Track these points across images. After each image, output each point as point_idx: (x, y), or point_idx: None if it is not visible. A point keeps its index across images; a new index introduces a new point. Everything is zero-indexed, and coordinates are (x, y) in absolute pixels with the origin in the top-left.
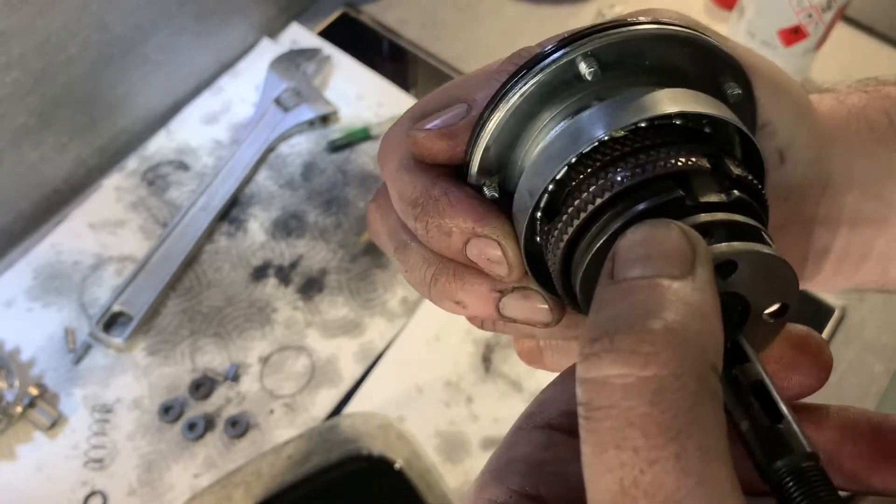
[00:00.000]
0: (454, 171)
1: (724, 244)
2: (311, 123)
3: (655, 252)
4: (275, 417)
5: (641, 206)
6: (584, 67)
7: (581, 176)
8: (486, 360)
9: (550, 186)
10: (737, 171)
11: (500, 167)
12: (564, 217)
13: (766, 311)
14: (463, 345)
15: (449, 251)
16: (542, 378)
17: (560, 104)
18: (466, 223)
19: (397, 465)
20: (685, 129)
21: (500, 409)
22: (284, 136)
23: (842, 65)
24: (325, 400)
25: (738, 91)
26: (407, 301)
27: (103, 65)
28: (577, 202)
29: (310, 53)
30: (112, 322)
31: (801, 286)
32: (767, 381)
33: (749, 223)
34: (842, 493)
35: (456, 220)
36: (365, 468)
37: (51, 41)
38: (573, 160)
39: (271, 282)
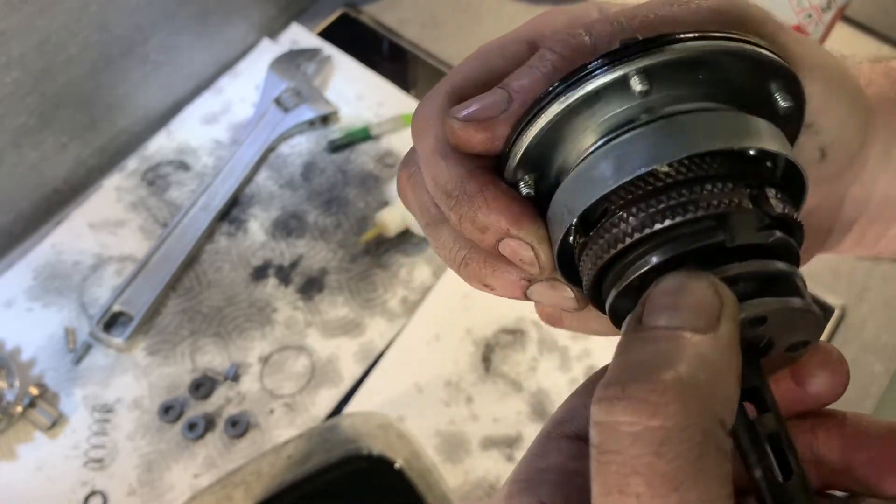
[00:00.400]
0: (490, 163)
1: (756, 301)
2: (311, 123)
3: (684, 303)
4: (275, 417)
5: (680, 250)
6: (636, 83)
7: (622, 201)
8: (486, 360)
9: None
10: (779, 207)
11: (538, 165)
12: (601, 241)
13: (787, 346)
14: (463, 345)
15: (481, 244)
16: (542, 378)
17: (607, 112)
18: (501, 223)
19: (397, 465)
20: (730, 157)
21: (500, 409)
22: (284, 137)
23: None
24: (325, 400)
25: (789, 104)
26: (407, 301)
27: (103, 65)
28: (615, 230)
29: (310, 53)
30: (112, 322)
31: (819, 253)
32: (783, 434)
33: (783, 272)
34: (840, 494)
35: (490, 218)
36: (365, 468)
37: (51, 41)
38: (615, 187)
39: (271, 282)
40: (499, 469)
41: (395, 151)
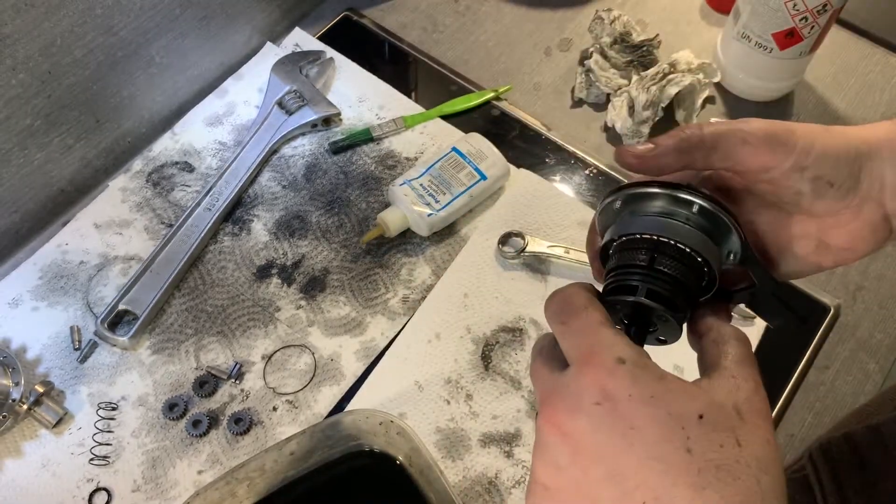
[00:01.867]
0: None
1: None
2: (313, 125)
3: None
4: (278, 414)
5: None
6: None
7: (615, 245)
8: (486, 358)
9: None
10: (667, 268)
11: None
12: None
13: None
14: (463, 343)
15: None
16: None
17: (649, 207)
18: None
19: (398, 461)
20: (658, 244)
21: (499, 407)
22: (287, 138)
23: (837, 68)
24: (326, 397)
25: (734, 253)
26: (408, 300)
27: (108, 67)
28: (608, 262)
29: (312, 56)
30: (117, 321)
31: (869, 251)
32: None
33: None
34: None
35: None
36: (366, 464)
37: (56, 44)
38: (615, 238)
39: (274, 281)
40: (498, 465)
41: (396, 153)
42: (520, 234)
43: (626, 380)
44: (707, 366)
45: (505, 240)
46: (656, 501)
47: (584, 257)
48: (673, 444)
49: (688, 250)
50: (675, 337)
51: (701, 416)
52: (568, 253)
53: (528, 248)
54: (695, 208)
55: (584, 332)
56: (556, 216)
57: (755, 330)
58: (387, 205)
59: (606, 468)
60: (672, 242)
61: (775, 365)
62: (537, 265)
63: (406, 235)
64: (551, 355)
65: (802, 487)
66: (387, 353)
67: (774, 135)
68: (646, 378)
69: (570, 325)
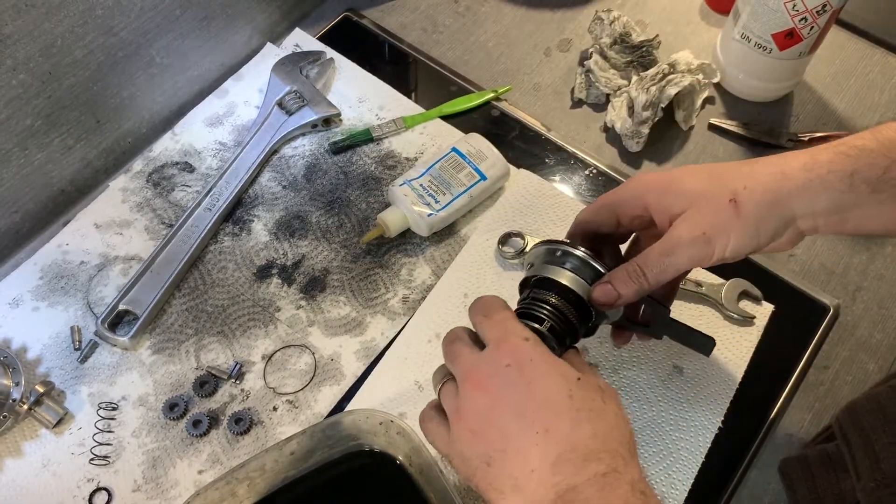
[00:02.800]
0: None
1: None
2: (313, 126)
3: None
4: (278, 414)
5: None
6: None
7: (534, 279)
8: None
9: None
10: (567, 313)
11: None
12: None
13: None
14: None
15: None
16: None
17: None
18: None
19: (398, 461)
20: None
21: None
22: (287, 139)
23: (836, 68)
24: (327, 397)
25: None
26: (408, 300)
27: (109, 68)
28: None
29: (312, 57)
30: (118, 321)
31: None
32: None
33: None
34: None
35: None
36: (367, 464)
37: (57, 44)
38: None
39: (274, 281)
40: None
41: (396, 153)
42: (519, 234)
43: (529, 351)
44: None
45: (505, 240)
46: (546, 430)
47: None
48: (560, 392)
49: (585, 300)
50: None
51: (579, 379)
52: None
53: (527, 249)
54: (599, 271)
55: (501, 322)
56: (556, 216)
57: (755, 330)
58: (387, 205)
59: (513, 409)
60: (574, 293)
61: (775, 365)
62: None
63: (406, 235)
64: (471, 341)
65: (828, 456)
66: (387, 353)
67: (698, 257)
68: (542, 350)
69: (491, 317)
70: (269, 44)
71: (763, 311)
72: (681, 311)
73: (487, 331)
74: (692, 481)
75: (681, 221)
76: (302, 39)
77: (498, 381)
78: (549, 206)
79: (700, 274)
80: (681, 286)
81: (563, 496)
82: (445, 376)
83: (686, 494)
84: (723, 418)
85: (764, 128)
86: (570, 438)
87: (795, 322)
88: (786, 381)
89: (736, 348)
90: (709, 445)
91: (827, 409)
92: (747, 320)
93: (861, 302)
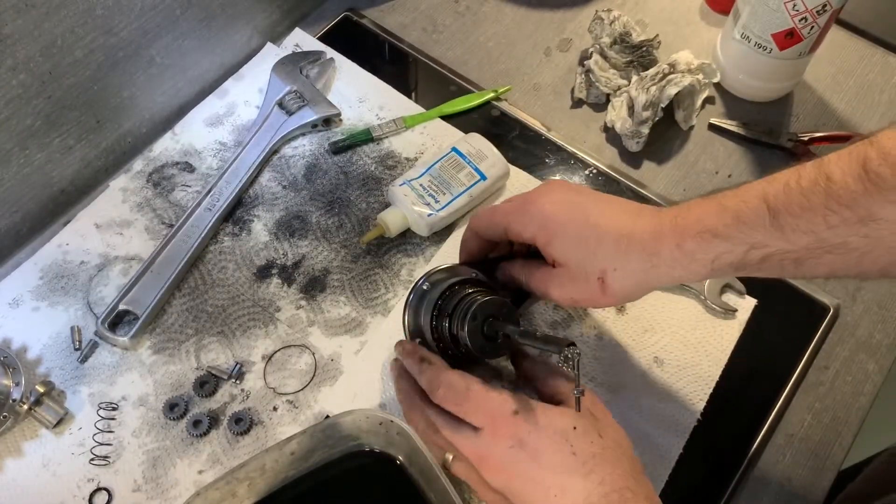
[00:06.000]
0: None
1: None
2: (313, 126)
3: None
4: (278, 414)
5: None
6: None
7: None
8: None
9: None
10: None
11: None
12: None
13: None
14: None
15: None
16: None
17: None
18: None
19: (398, 461)
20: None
21: None
22: (287, 139)
23: (836, 68)
24: (327, 397)
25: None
26: None
27: (109, 68)
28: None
29: (312, 57)
30: (118, 321)
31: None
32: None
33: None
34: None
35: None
36: (366, 464)
37: (57, 44)
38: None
39: (275, 281)
40: None
41: (396, 153)
42: None
43: (523, 424)
44: (551, 397)
45: None
46: (562, 490)
47: None
48: (563, 453)
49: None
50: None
51: (575, 428)
52: None
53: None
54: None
55: (479, 407)
56: None
57: (736, 324)
58: (387, 205)
59: (531, 481)
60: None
61: (775, 365)
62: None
63: (406, 235)
64: (457, 423)
65: None
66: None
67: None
68: (533, 416)
69: (465, 406)
70: (269, 44)
71: (746, 305)
72: (663, 302)
73: (473, 419)
74: (669, 472)
75: (555, 279)
76: (302, 39)
77: (508, 463)
78: None
79: None
80: None
81: None
82: (447, 455)
83: (663, 486)
84: (702, 410)
85: (764, 128)
86: (583, 493)
87: (795, 322)
88: (786, 381)
89: (717, 341)
90: (687, 437)
91: (827, 410)
92: (729, 313)
93: (861, 302)
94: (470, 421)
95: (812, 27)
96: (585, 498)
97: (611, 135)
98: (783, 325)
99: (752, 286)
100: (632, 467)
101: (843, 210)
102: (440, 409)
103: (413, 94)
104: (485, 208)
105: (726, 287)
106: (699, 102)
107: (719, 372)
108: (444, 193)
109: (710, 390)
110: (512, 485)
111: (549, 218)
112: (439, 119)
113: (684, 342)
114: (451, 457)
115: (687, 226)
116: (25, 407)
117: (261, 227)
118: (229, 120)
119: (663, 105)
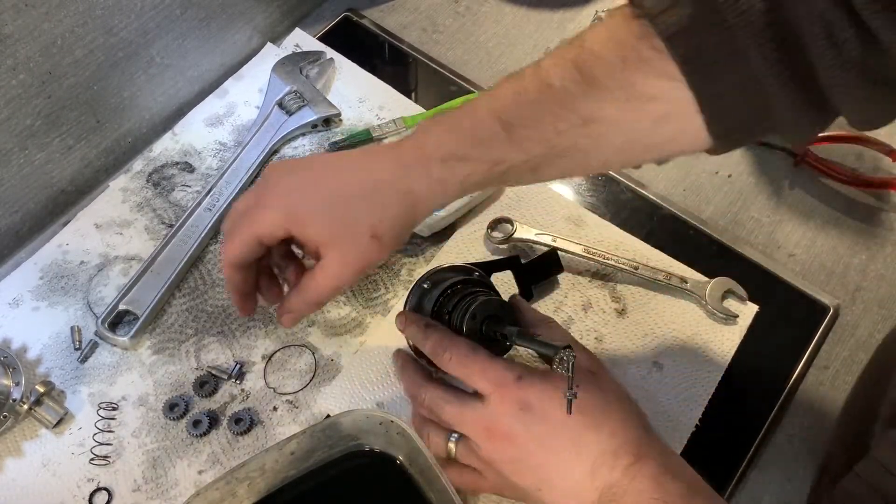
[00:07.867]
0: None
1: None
2: (313, 126)
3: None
4: (278, 414)
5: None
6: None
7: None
8: None
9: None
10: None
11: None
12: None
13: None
14: None
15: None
16: None
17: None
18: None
19: (398, 461)
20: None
21: None
22: (287, 139)
23: None
24: (327, 397)
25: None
26: None
27: (109, 68)
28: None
29: (312, 57)
30: (118, 321)
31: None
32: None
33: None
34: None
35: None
36: (366, 464)
37: (57, 44)
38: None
39: None
40: None
41: None
42: (508, 220)
43: (527, 388)
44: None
45: (494, 225)
46: (577, 450)
47: (571, 247)
48: (572, 413)
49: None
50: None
51: (578, 386)
52: (555, 241)
53: (515, 234)
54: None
55: (485, 370)
56: (555, 215)
57: (737, 329)
58: None
59: (543, 446)
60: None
61: (775, 365)
62: (526, 253)
63: None
64: (459, 393)
65: None
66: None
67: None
68: (535, 379)
69: (471, 368)
70: (269, 44)
71: (747, 311)
72: (663, 307)
73: (477, 382)
74: None
75: (331, 263)
76: (302, 39)
77: (518, 428)
78: (549, 205)
79: (685, 270)
80: (666, 281)
81: (603, 494)
82: (451, 436)
83: None
84: (700, 416)
85: None
86: (597, 447)
87: (795, 322)
88: (786, 381)
89: (718, 347)
90: (685, 443)
91: (827, 410)
92: (730, 319)
93: (861, 302)
94: (475, 386)
95: None
96: (601, 451)
97: None
98: (783, 325)
99: (750, 286)
100: (639, 419)
101: (568, 115)
102: (446, 387)
103: (413, 95)
104: (224, 239)
105: (728, 293)
106: None
107: (718, 378)
108: None
109: (710, 396)
110: (525, 457)
111: (291, 204)
112: None
113: (684, 347)
114: (455, 438)
115: (430, 153)
116: (25, 407)
117: None
118: (229, 120)
119: None
